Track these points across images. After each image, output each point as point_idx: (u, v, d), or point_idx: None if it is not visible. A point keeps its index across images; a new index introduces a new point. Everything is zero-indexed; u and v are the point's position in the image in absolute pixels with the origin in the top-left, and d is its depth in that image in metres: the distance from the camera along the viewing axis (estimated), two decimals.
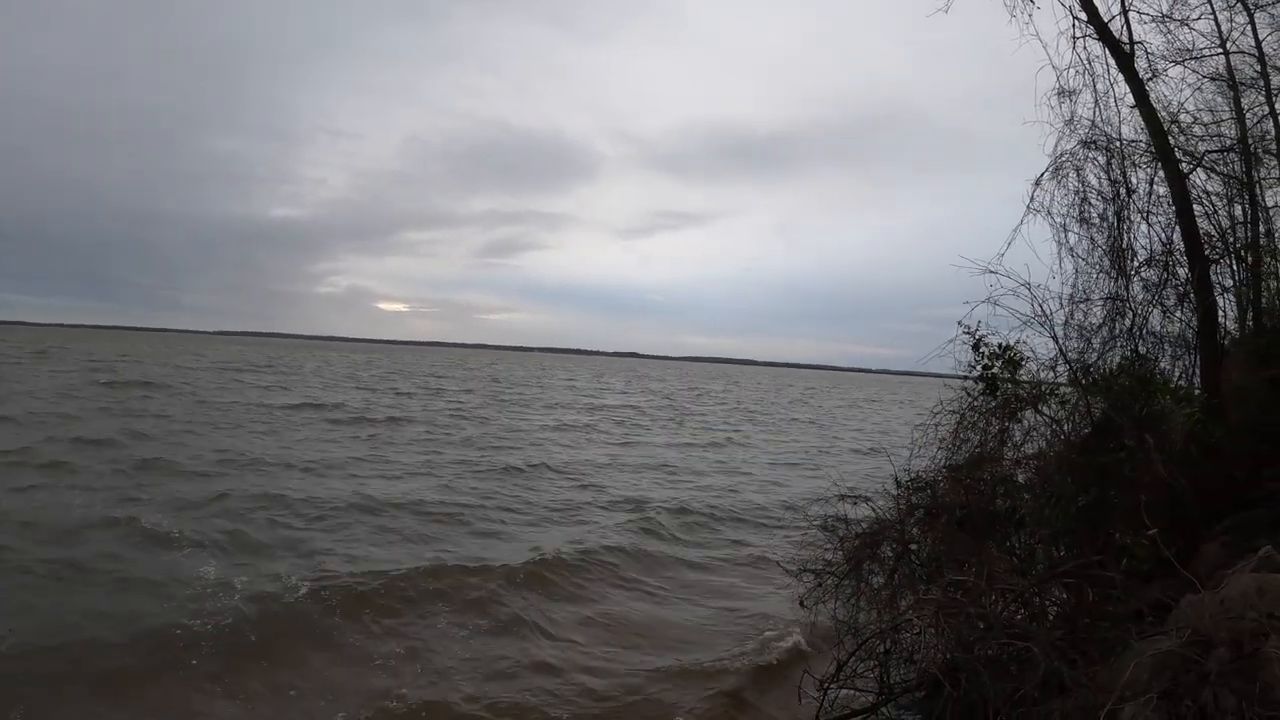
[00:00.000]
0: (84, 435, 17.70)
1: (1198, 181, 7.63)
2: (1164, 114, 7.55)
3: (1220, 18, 7.80)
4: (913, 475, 6.63)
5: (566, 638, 8.59)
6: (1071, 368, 6.67)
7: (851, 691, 5.68)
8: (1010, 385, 6.47)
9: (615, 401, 48.05)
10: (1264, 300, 7.54)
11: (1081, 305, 7.52)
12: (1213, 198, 7.76)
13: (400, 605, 8.77)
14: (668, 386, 76.31)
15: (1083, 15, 7.50)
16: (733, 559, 12.41)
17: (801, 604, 6.59)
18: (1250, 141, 7.67)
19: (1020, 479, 6.35)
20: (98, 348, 76.17)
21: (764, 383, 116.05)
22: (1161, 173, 7.47)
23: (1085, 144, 7.79)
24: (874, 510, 6.64)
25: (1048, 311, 6.56)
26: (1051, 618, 5.40)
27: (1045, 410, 6.42)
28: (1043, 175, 7.70)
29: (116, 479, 13.76)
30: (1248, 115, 7.78)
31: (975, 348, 6.52)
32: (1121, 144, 7.77)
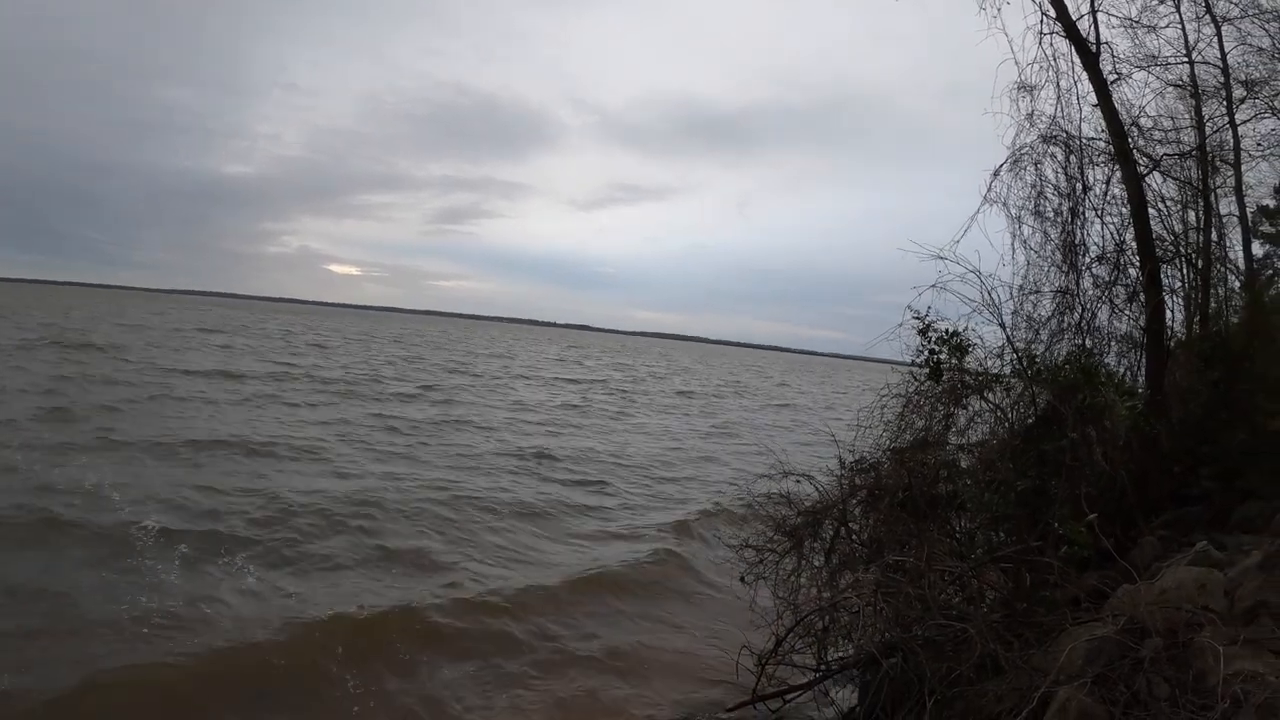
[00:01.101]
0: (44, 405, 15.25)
1: (1154, 184, 7.74)
2: (1125, 115, 7.62)
3: (1188, 27, 7.91)
4: (857, 456, 6.61)
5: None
6: (1018, 357, 6.67)
7: (789, 668, 5.66)
8: (956, 371, 6.47)
9: (607, 379, 46.44)
10: (1212, 305, 7.69)
11: (1032, 296, 7.58)
12: (1167, 201, 7.91)
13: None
14: (642, 361, 74.98)
15: (1051, 12, 7.49)
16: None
17: (742, 579, 6.54)
18: (1209, 150, 7.80)
19: (963, 464, 6.36)
20: (42, 303, 70.43)
21: (728, 362, 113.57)
22: (1119, 173, 7.54)
23: (1045, 139, 7.81)
24: (818, 489, 6.61)
25: (997, 300, 6.58)
26: (989, 601, 5.43)
27: (990, 397, 6.42)
28: (1001, 167, 7.70)
29: (61, 458, 11.50)
30: (1208, 124, 7.92)
31: (923, 332, 6.49)
32: (1081, 141, 7.82)
